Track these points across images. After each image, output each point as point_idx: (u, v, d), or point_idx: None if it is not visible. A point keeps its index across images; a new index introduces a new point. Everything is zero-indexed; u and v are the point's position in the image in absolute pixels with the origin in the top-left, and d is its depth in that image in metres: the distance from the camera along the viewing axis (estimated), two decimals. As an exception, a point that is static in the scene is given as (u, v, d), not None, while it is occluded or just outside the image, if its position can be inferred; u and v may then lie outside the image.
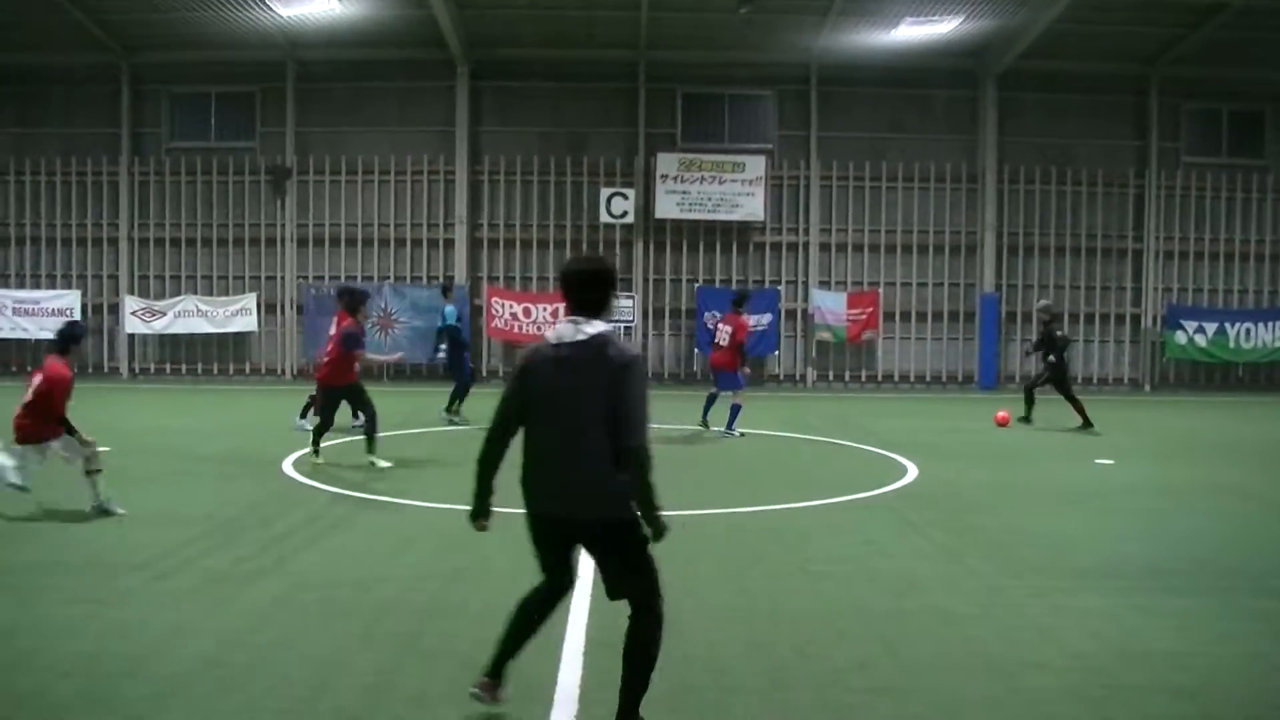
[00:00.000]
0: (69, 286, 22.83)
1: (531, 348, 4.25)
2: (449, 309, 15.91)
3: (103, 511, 8.22)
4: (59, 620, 5.77)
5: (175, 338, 22.81)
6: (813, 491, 9.80)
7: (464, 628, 5.71)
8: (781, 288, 22.59)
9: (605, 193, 22.20)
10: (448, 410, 15.18)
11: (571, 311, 4.15)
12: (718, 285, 22.34)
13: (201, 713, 4.58)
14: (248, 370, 22.87)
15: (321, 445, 11.02)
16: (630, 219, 22.19)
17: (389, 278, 22.56)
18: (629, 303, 21.61)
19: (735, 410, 13.98)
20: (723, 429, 13.97)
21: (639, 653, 4.17)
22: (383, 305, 21.61)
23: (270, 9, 19.88)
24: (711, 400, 14.35)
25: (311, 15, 20.22)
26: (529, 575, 6.03)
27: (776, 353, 22.62)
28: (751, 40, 21.58)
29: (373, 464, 10.75)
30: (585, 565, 6.11)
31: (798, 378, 22.84)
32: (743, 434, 13.85)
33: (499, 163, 22.62)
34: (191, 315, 22.58)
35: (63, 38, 21.94)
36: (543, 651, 5.04)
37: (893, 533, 8.21)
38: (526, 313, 21.77)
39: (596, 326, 4.15)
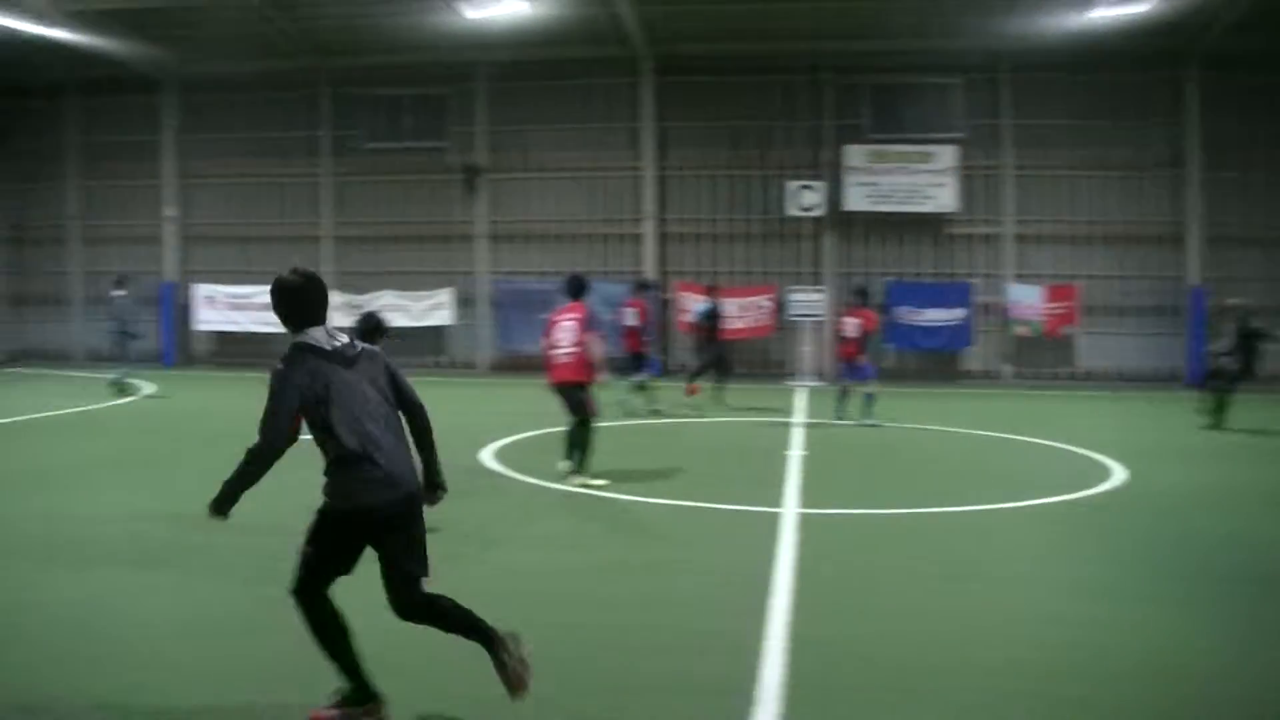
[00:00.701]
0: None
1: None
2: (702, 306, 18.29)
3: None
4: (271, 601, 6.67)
5: (375, 331, 25.08)
6: (1015, 492, 10.11)
7: (665, 619, 6.20)
8: (976, 281, 23.37)
9: (792, 186, 23.48)
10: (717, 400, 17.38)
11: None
12: (909, 279, 23.37)
13: (406, 688, 4.93)
14: (445, 363, 25.01)
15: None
16: (818, 212, 23.41)
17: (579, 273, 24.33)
18: (818, 297, 22.84)
19: (869, 400, 15.50)
20: (864, 421, 15.35)
21: None
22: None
23: (459, 13, 21.83)
24: (844, 394, 15.95)
25: (499, 18, 22.10)
26: (729, 567, 7.35)
27: (970, 348, 23.48)
28: (936, 27, 22.41)
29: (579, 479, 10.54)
30: (784, 563, 7.31)
31: (993, 374, 23.70)
32: (878, 424, 15.18)
33: (686, 157, 24.16)
34: (390, 310, 24.80)
35: (268, 47, 24.53)
36: (741, 649, 5.54)
37: (1096, 537, 8.44)
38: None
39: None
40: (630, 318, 17.07)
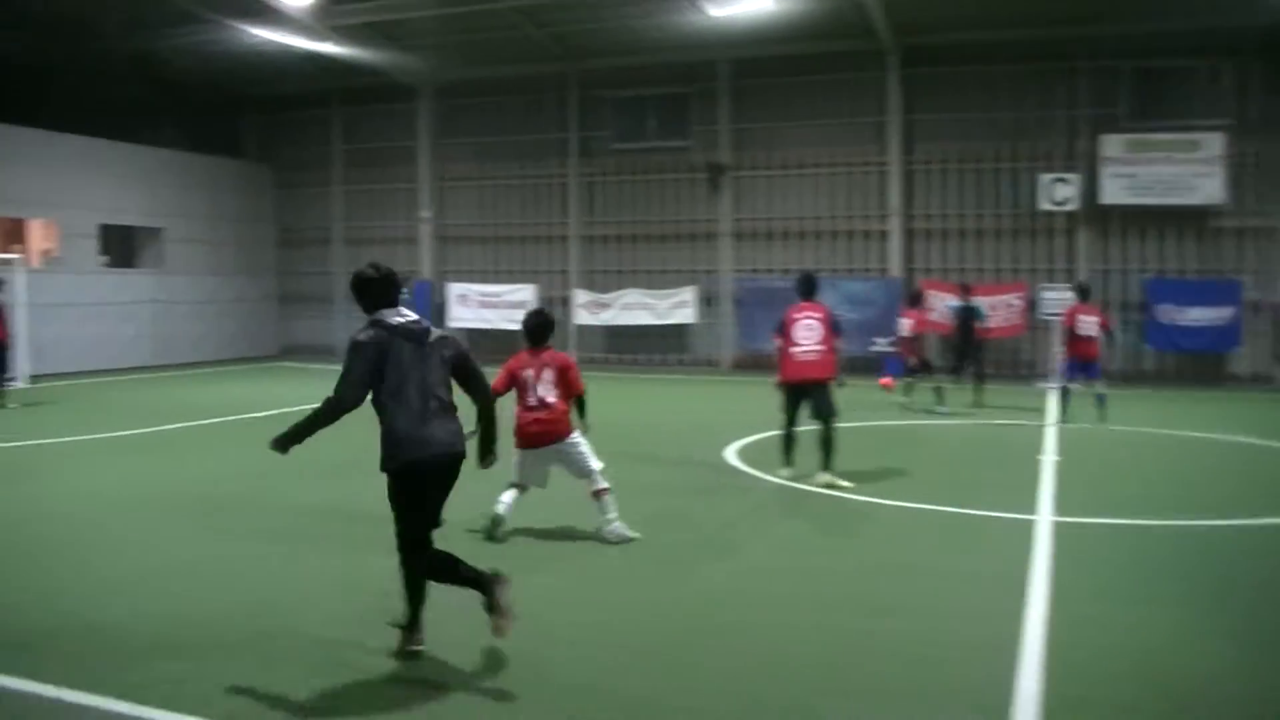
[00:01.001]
0: (525, 281, 26.99)
1: None
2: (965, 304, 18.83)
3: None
4: (548, 590, 6.97)
5: (619, 329, 26.43)
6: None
7: (914, 626, 6.25)
8: (1246, 278, 22.67)
9: (1045, 179, 23.36)
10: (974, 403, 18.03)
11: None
12: (1171, 275, 22.91)
13: (661, 688, 5.27)
14: (687, 361, 26.06)
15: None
16: (1072, 205, 23.20)
17: (823, 270, 24.91)
18: (1071, 295, 22.60)
19: (1101, 400, 15.93)
20: (1100, 423, 15.64)
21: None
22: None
23: (703, 11, 22.68)
24: (1067, 395, 16.31)
25: (741, 15, 22.86)
26: (979, 574, 7.48)
27: (1237, 349, 22.77)
28: (1204, 3, 21.66)
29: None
30: (1039, 571, 7.50)
31: (1262, 378, 22.90)
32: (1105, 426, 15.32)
33: (932, 151, 24.36)
34: (635, 307, 26.14)
35: (518, 52, 26.10)
36: (997, 659, 5.61)
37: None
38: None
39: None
40: (905, 329, 17.95)
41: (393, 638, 5.76)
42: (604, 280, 27.00)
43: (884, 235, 24.86)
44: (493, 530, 8.40)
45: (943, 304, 21.84)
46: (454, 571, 5.60)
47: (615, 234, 27.07)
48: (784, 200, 25.61)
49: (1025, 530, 8.76)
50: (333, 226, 30.09)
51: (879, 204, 24.91)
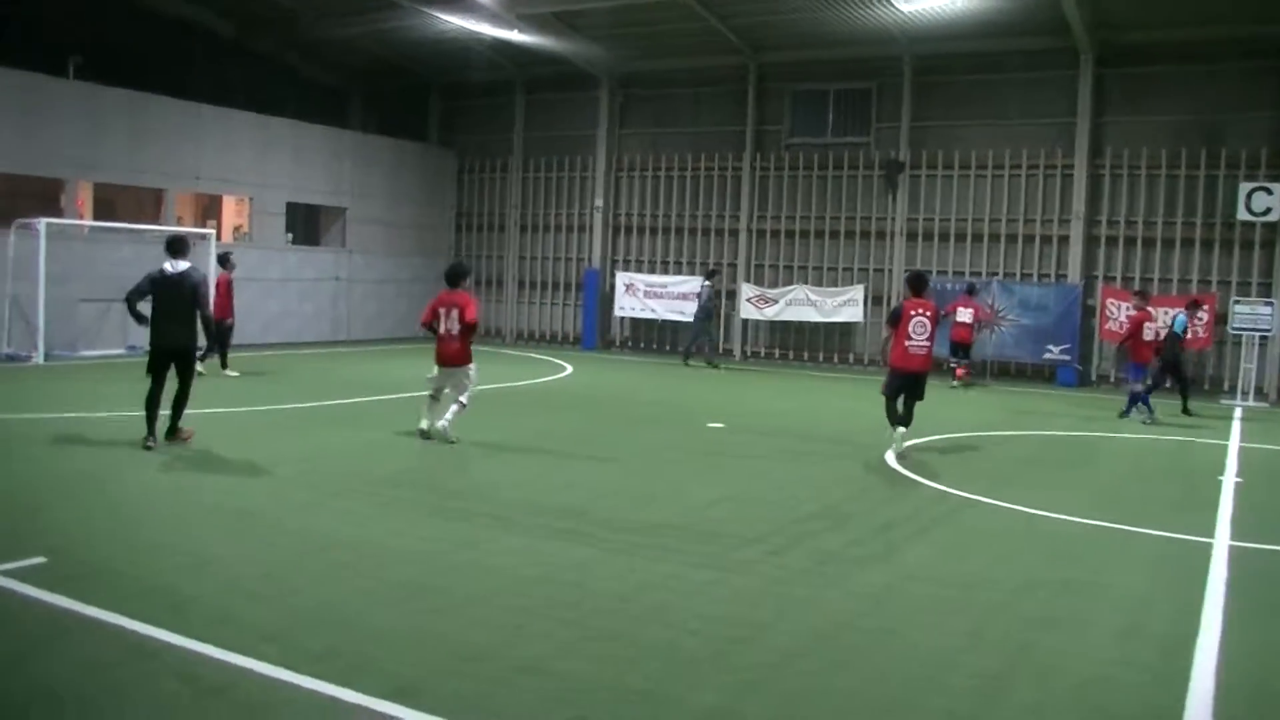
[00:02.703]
0: (693, 273, 27.46)
1: None
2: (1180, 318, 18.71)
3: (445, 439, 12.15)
4: (688, 581, 7.10)
5: (785, 324, 26.67)
6: None
7: (1079, 644, 6.16)
8: None
9: (1245, 187, 22.58)
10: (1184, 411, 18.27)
11: None
12: (1380, 293, 21.87)
13: (814, 689, 5.31)
14: (851, 360, 26.13)
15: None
16: (1274, 216, 22.36)
17: (998, 273, 24.73)
18: (1266, 310, 21.82)
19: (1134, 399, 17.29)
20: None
21: None
22: (990, 301, 23.81)
23: (892, 5, 22.73)
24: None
25: (931, 10, 22.75)
26: (1149, 596, 7.32)
27: None
28: None
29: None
30: (1214, 598, 7.30)
31: None
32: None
33: (1122, 155, 23.82)
34: (801, 304, 26.37)
35: (698, 43, 26.60)
36: (1164, 685, 5.54)
37: None
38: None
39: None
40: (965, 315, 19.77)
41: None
42: (772, 275, 27.27)
43: (1064, 240, 24.39)
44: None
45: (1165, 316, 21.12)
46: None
47: (786, 229, 27.29)
48: (962, 200, 25.40)
49: (1201, 553, 8.58)
50: (509, 212, 31.16)
51: (1061, 208, 24.44)
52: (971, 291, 22.69)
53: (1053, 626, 6.47)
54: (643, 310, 28.37)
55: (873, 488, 10.94)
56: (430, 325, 12.64)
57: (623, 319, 29.28)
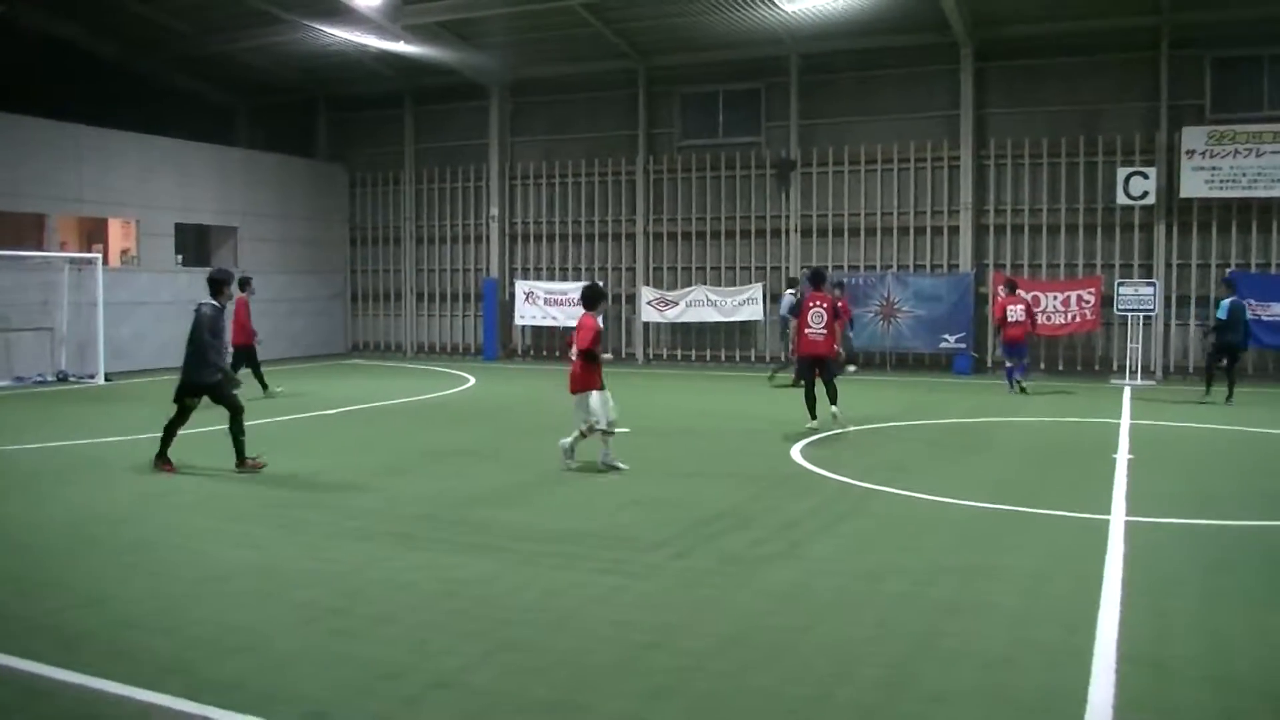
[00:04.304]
0: (592, 278, 27.49)
1: None
2: (1225, 302, 18.72)
3: (610, 467, 11.54)
4: (593, 587, 7.12)
5: (686, 325, 26.88)
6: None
7: (985, 628, 6.25)
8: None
9: (1123, 173, 23.40)
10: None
11: None
12: (1253, 269, 22.74)
13: (724, 690, 5.32)
14: (753, 358, 26.45)
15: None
16: (1150, 200, 23.15)
17: (891, 266, 25.22)
18: (1149, 290, 22.59)
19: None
20: None
21: None
22: (885, 294, 24.27)
23: (775, 6, 23.11)
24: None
25: (813, 9, 23.17)
26: (1050, 575, 7.44)
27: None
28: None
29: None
30: (1112, 574, 7.36)
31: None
32: None
33: (1005, 145, 24.48)
34: (701, 304, 26.61)
35: (586, 49, 26.75)
36: (1066, 663, 5.61)
37: None
38: (1036, 301, 23.25)
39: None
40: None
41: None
42: (670, 277, 27.46)
43: (955, 230, 24.96)
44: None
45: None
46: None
47: (683, 230, 27.50)
48: (854, 195, 25.86)
49: (1098, 530, 8.76)
50: (404, 225, 30.93)
51: (950, 198, 25.02)
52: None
53: (958, 612, 6.57)
54: (544, 318, 28.39)
55: (778, 484, 10.98)
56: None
57: (524, 328, 29.20)
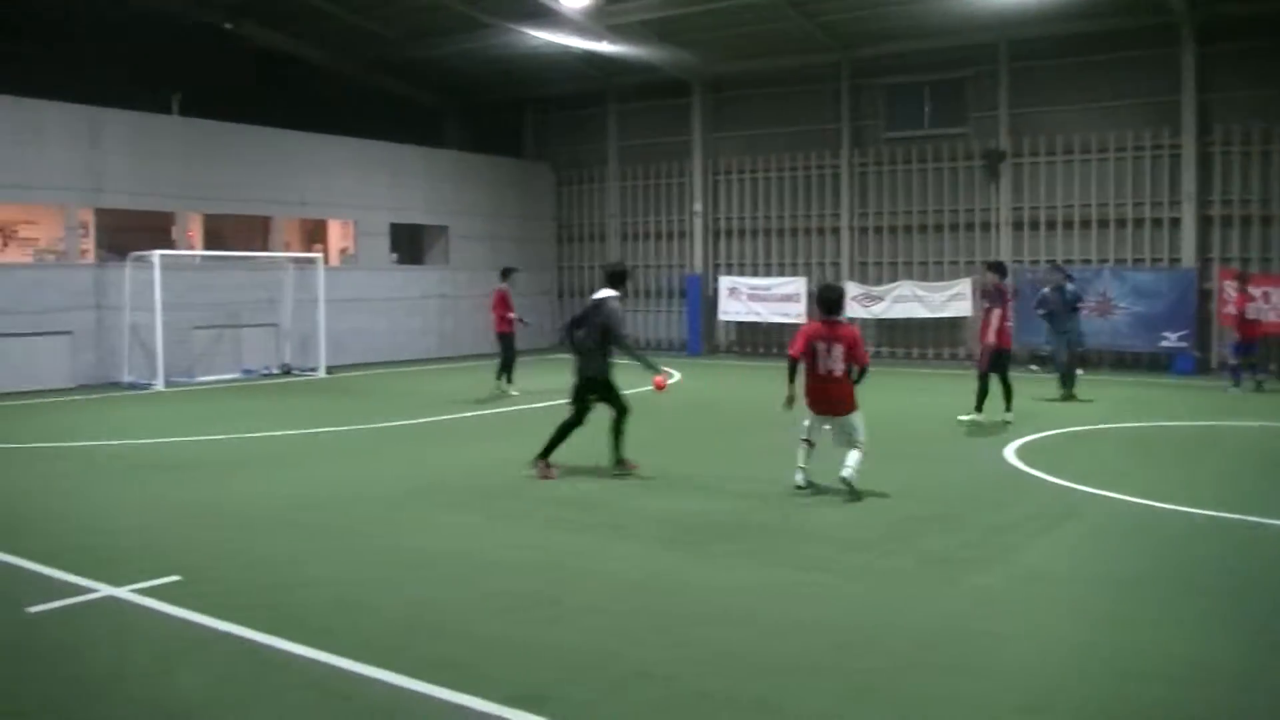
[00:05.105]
0: (795, 273, 27.49)
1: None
2: None
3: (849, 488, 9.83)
4: (792, 585, 7.18)
5: (892, 322, 26.50)
6: None
7: (1162, 640, 6.07)
8: None
9: (1366, 158, 21.86)
10: None
11: None
12: None
13: (928, 695, 5.25)
14: (961, 355, 25.87)
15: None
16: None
17: (1108, 260, 24.29)
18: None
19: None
20: None
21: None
22: (1102, 290, 23.41)
23: (984, -9, 22.49)
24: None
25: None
26: (1257, 592, 7.17)
27: None
28: None
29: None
30: None
31: None
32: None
33: (1232, 131, 23.19)
34: (908, 300, 26.20)
35: (788, 43, 26.70)
36: (1241, 686, 5.44)
37: None
38: (1265, 297, 21.97)
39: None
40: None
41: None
42: (876, 272, 27.17)
43: (1175, 222, 23.84)
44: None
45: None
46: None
47: (889, 225, 27.17)
48: (1066, 187, 25.01)
49: None
50: (608, 222, 31.53)
51: (1170, 189, 23.90)
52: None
53: (1149, 625, 6.41)
54: (747, 314, 28.50)
55: (992, 486, 10.77)
56: (798, 360, 10.33)
57: (727, 323, 29.37)
